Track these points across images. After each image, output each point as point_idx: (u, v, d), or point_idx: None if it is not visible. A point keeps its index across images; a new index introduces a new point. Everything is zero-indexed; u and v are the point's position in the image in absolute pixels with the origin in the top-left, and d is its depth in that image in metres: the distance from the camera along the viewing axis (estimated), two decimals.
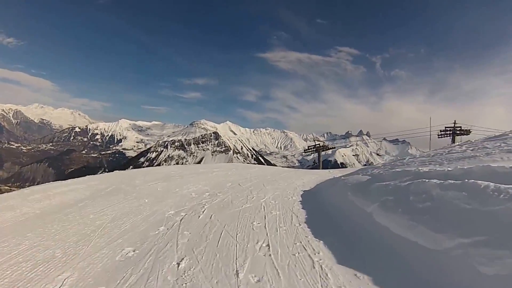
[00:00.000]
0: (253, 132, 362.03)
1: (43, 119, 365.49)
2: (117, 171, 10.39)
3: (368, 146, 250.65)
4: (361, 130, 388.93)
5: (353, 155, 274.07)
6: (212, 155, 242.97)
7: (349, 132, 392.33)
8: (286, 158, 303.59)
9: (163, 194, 6.70)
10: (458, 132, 29.00)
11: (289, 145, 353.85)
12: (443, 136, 29.73)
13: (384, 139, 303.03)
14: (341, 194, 6.42)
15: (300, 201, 6.63)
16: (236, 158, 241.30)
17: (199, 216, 5.04)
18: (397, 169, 6.28)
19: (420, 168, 5.46)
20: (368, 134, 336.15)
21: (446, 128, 29.67)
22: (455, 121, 29.32)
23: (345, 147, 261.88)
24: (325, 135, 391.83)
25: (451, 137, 29.37)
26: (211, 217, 4.99)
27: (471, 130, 28.48)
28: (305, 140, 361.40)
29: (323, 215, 5.54)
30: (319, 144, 36.04)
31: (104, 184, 7.42)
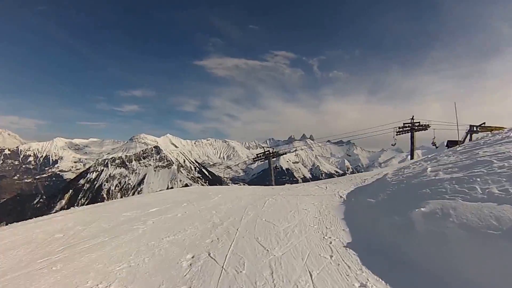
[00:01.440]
0: (195, 143, 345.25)
1: None
2: None
3: (312, 150, 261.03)
4: (304, 134, 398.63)
5: (293, 162, 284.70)
6: (155, 171, 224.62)
7: (292, 137, 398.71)
8: (231, 168, 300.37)
9: None
10: (416, 127, 28.10)
11: (232, 155, 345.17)
12: (401, 133, 28.52)
13: (329, 141, 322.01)
14: None
15: None
16: (180, 172, 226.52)
17: None
18: None
19: None
20: (311, 138, 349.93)
21: (405, 125, 28.45)
22: (413, 116, 28.36)
23: (289, 151, 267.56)
24: (268, 141, 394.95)
25: (410, 133, 28.22)
26: None
27: (429, 125, 27.85)
28: (248, 148, 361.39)
29: None
30: (268, 150, 32.10)
31: None
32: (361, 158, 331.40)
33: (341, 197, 7.71)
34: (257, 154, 32.67)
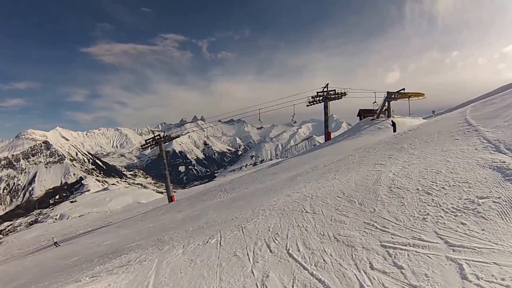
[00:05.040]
0: (86, 134, 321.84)
1: None
2: None
3: (204, 131, 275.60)
4: (195, 116, 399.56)
5: (179, 146, 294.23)
6: (46, 167, 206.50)
7: (184, 120, 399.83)
8: (124, 156, 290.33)
9: None
10: (331, 96, 25.70)
11: (125, 143, 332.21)
12: (313, 103, 26.10)
13: (219, 121, 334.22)
14: None
15: None
16: (73, 165, 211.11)
17: None
18: None
19: None
20: (202, 119, 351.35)
21: (318, 94, 25.68)
22: (327, 84, 25.89)
23: (181, 134, 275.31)
24: (160, 126, 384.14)
25: (323, 103, 25.88)
26: None
27: (346, 93, 25.91)
28: (140, 134, 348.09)
29: None
30: (158, 135, 30.43)
31: None
32: (252, 134, 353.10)
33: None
34: (145, 140, 30.79)
